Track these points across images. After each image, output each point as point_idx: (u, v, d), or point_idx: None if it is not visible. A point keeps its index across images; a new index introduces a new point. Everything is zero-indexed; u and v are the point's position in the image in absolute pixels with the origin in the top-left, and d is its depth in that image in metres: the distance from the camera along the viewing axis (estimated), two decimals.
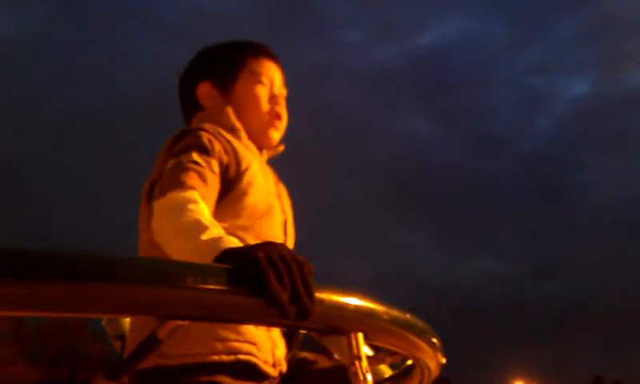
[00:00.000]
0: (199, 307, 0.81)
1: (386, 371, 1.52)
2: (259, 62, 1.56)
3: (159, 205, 1.19)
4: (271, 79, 1.56)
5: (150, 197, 1.30)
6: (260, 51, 1.58)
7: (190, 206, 1.14)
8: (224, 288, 0.81)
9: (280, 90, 1.58)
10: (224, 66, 1.55)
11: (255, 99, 1.52)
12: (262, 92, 1.53)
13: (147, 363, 1.16)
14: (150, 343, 0.92)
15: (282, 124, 1.56)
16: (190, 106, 1.56)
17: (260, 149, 1.54)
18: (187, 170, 1.24)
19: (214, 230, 1.06)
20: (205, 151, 1.31)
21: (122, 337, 1.50)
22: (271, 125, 1.53)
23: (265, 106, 1.53)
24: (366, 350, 1.27)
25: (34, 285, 0.72)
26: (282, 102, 1.57)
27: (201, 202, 1.17)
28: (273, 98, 1.55)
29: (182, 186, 1.20)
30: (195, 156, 1.28)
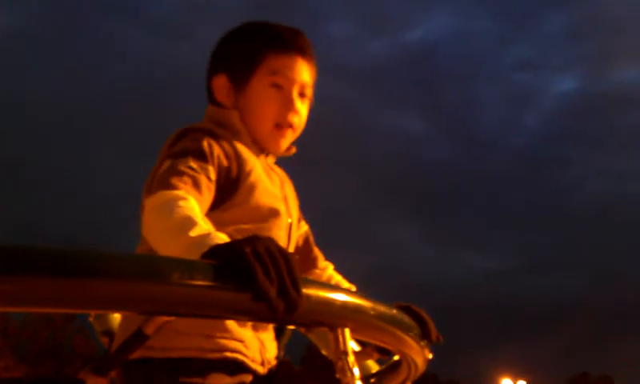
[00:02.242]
0: (187, 303, 0.81)
1: (374, 367, 1.53)
2: (281, 58, 1.46)
3: (149, 202, 1.17)
4: (291, 79, 1.46)
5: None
6: (283, 45, 1.47)
7: (181, 203, 1.13)
8: (211, 284, 0.81)
9: (303, 89, 1.49)
10: (241, 60, 1.48)
11: (266, 103, 1.45)
12: (276, 96, 1.45)
13: (134, 355, 1.15)
14: (137, 339, 0.92)
15: (294, 131, 1.49)
16: (209, 96, 1.51)
17: (266, 153, 1.50)
18: (181, 173, 1.22)
19: (203, 226, 1.05)
20: (202, 156, 1.29)
21: (109, 332, 1.50)
22: (279, 133, 1.47)
23: (276, 111, 1.45)
24: (353, 346, 1.29)
25: (20, 280, 0.72)
26: (299, 107, 1.48)
27: (191, 200, 1.16)
28: (288, 103, 1.46)
29: (172, 187, 1.18)
30: (191, 161, 1.26)
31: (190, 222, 1.05)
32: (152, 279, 0.77)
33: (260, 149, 1.49)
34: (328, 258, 1.66)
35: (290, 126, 1.47)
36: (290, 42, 1.48)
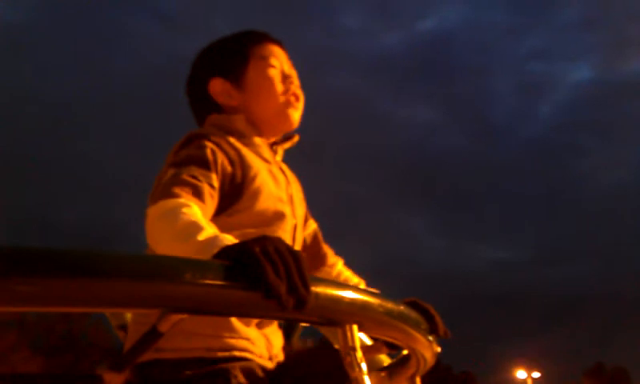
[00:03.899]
0: (200, 301, 0.84)
1: (385, 360, 1.55)
2: (264, 47, 1.56)
3: (152, 211, 1.18)
4: (281, 60, 1.56)
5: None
6: (262, 38, 1.58)
7: (184, 210, 1.14)
8: (223, 283, 0.84)
9: (290, 70, 1.57)
10: (231, 58, 1.54)
11: (269, 82, 1.52)
12: (275, 74, 1.53)
13: (145, 357, 1.19)
14: (152, 336, 0.95)
15: (300, 103, 1.55)
16: (205, 107, 1.54)
17: (275, 148, 1.53)
18: (183, 182, 1.23)
19: (210, 229, 1.07)
20: (205, 165, 1.30)
21: (125, 327, 1.53)
22: (289, 105, 1.53)
23: (280, 86, 1.52)
24: (365, 340, 1.31)
25: (37, 281, 0.75)
26: (296, 81, 1.56)
27: (193, 206, 1.17)
28: (286, 78, 1.55)
29: (174, 195, 1.20)
30: (194, 170, 1.27)
31: (195, 227, 1.07)
32: (167, 279, 0.81)
33: (276, 132, 1.53)
34: (340, 248, 1.67)
35: (297, 96, 1.54)
36: (268, 36, 1.59)
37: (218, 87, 1.52)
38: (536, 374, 39.06)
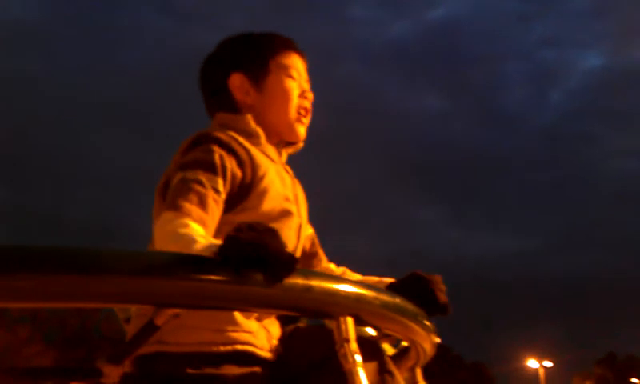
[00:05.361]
0: (190, 295, 0.87)
1: (389, 350, 1.56)
2: (288, 55, 1.57)
3: (159, 223, 1.22)
4: (299, 73, 1.57)
5: (163, 194, 1.34)
6: (288, 45, 1.58)
7: (180, 232, 1.15)
8: (211, 277, 0.88)
9: (307, 84, 1.59)
10: (255, 58, 1.54)
11: (287, 94, 1.53)
12: (293, 86, 1.54)
13: (148, 349, 1.21)
14: (148, 329, 0.97)
15: (308, 118, 1.57)
16: (218, 98, 1.55)
17: (280, 150, 1.55)
18: (188, 191, 1.26)
19: (203, 240, 1.08)
20: (212, 169, 1.32)
21: (131, 320, 1.55)
22: (299, 121, 1.54)
23: (295, 100, 1.54)
24: (370, 331, 1.32)
25: (38, 277, 0.78)
26: (310, 97, 1.58)
27: (192, 224, 1.19)
28: (302, 93, 1.56)
29: (178, 208, 1.22)
30: (200, 175, 1.30)
31: (191, 239, 1.09)
32: (159, 274, 0.84)
33: (280, 140, 1.54)
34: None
35: (308, 113, 1.56)
36: (292, 44, 1.59)
37: (237, 82, 1.53)
38: (548, 363, 39.03)
